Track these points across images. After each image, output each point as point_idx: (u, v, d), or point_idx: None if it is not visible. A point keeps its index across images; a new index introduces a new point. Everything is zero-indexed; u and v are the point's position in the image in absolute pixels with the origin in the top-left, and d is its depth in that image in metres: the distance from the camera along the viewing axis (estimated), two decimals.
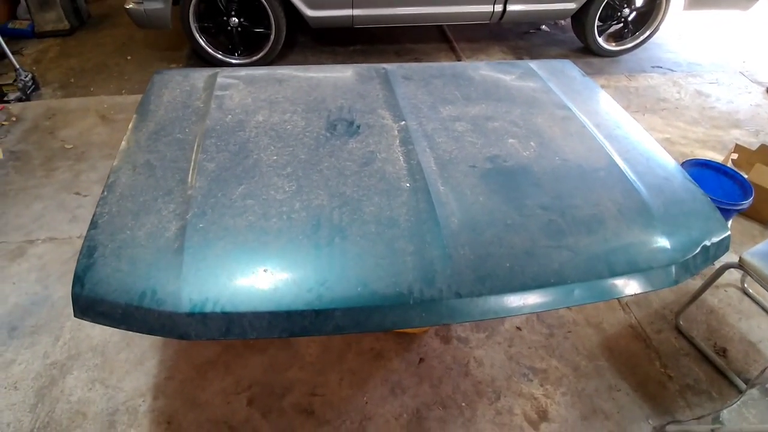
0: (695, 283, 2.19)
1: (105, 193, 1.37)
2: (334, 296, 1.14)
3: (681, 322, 2.12)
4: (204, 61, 3.76)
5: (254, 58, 3.82)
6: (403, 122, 1.64)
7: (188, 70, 1.95)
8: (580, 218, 1.36)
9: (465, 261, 1.21)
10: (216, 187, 1.35)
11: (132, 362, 1.86)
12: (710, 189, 2.45)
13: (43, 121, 3.08)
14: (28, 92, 3.29)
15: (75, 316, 1.16)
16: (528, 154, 1.56)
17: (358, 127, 1.62)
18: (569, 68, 2.21)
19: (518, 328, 2.07)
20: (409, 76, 1.94)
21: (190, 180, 1.38)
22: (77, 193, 2.60)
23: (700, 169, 2.52)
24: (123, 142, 1.54)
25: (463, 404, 1.80)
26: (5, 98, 3.22)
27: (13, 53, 3.24)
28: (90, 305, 1.15)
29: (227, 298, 1.12)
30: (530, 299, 1.23)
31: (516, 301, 1.22)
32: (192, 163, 1.43)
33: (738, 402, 1.79)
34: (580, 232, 1.32)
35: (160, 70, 1.93)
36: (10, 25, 3.96)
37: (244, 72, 1.93)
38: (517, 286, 1.21)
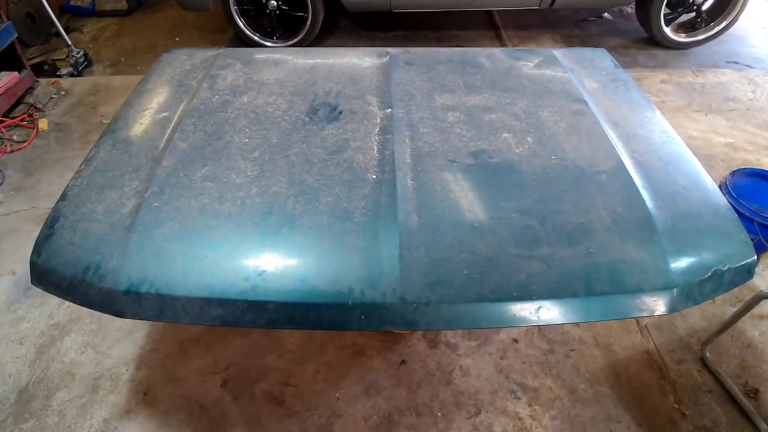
0: (731, 310, 1.90)
1: (82, 166, 1.40)
2: (269, 288, 1.09)
3: (708, 354, 1.85)
4: (244, 44, 3.83)
5: (292, 41, 3.83)
6: (389, 110, 1.54)
7: (195, 50, 1.96)
8: (563, 226, 1.19)
9: (417, 264, 1.11)
10: (181, 167, 1.34)
11: (123, 331, 1.93)
12: (764, 203, 2.11)
13: (87, 96, 3.28)
14: (80, 68, 3.52)
15: (32, 283, 1.20)
16: (520, 151, 1.40)
17: (340, 112, 1.53)
18: (601, 57, 1.97)
19: (515, 340, 1.91)
20: (411, 62, 1.82)
21: (158, 158, 1.37)
22: None
23: (755, 180, 2.18)
24: (113, 118, 1.57)
25: (439, 414, 1.69)
26: (58, 72, 3.47)
27: (74, 30, 3.48)
28: (43, 274, 1.18)
29: (164, 280, 1.10)
30: (487, 312, 1.10)
31: (470, 312, 1.10)
32: (164, 141, 1.43)
33: None
34: (559, 242, 1.16)
35: (170, 49, 1.96)
36: (72, 2, 4.26)
37: (246, 53, 1.91)
38: (472, 296, 1.09)
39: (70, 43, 3.42)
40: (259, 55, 1.91)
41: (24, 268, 2.19)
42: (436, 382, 1.78)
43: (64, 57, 3.48)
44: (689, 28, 3.92)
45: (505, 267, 1.12)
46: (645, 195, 1.29)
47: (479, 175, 1.32)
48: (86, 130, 2.99)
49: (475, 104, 1.60)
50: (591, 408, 1.71)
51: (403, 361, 1.84)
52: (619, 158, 1.39)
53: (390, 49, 1.90)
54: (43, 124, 3.01)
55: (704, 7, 3.79)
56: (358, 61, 1.83)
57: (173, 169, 1.33)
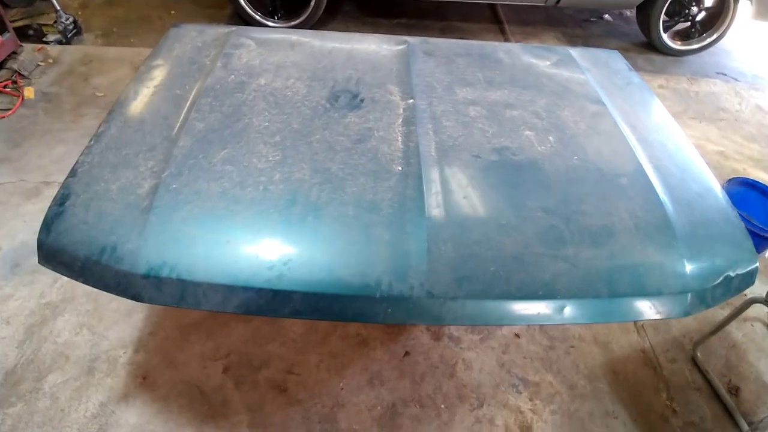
0: (721, 312, 1.97)
1: (92, 142, 1.35)
2: (295, 278, 1.06)
3: (699, 354, 1.91)
4: (244, 22, 3.71)
5: (293, 22, 3.73)
6: (412, 100, 1.51)
7: (205, 26, 1.89)
8: (587, 227, 1.20)
9: (444, 259, 1.10)
10: (198, 148, 1.29)
11: (121, 313, 1.88)
12: (753, 213, 2.18)
13: (79, 66, 3.14)
14: (69, 36, 3.35)
15: (38, 262, 1.14)
16: (543, 150, 1.41)
17: (362, 100, 1.50)
18: (615, 59, 1.99)
19: (517, 336, 1.94)
20: (431, 52, 1.80)
21: (174, 138, 1.32)
22: None
23: (746, 189, 2.26)
24: (122, 93, 1.50)
25: (442, 406, 1.71)
26: (44, 38, 3.29)
27: None
28: (53, 254, 1.13)
29: (185, 265, 1.06)
30: (512, 309, 1.11)
31: (495, 309, 1.11)
32: (180, 121, 1.37)
33: None
34: (584, 242, 1.17)
35: (179, 23, 1.88)
36: None
37: (259, 33, 1.85)
38: (499, 293, 1.09)
39: (58, 8, 3.25)
40: (274, 35, 1.86)
41: (11, 244, 2.10)
42: (439, 374, 1.79)
43: (52, 23, 3.30)
44: (684, 36, 4.01)
45: (531, 266, 1.12)
46: (664, 200, 1.31)
47: (503, 172, 1.32)
48: (77, 102, 2.86)
49: (496, 100, 1.59)
50: (589, 403, 1.75)
51: (406, 353, 1.84)
52: (639, 162, 1.41)
53: (408, 38, 1.87)
54: (29, 92, 2.86)
55: (698, 18, 3.89)
56: (377, 48, 1.79)
57: (190, 150, 1.28)
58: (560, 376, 1.82)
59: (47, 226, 1.14)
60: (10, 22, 3.14)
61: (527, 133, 1.46)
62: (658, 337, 1.98)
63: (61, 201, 1.17)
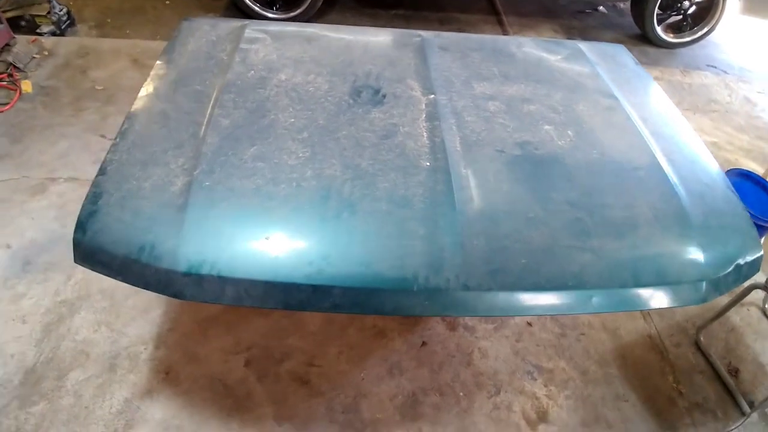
0: (722, 299, 2.05)
1: (117, 139, 1.34)
2: (334, 273, 1.09)
3: (701, 338, 2.00)
4: (241, 12, 3.66)
5: (292, 14, 3.70)
6: (432, 96, 1.54)
7: (217, 20, 1.88)
8: (610, 219, 1.25)
9: (478, 252, 1.13)
10: (227, 145, 1.30)
11: (138, 309, 1.88)
12: (748, 203, 2.26)
13: (75, 59, 3.07)
14: (63, 27, 3.27)
15: (75, 261, 1.15)
16: (563, 144, 1.44)
17: (384, 96, 1.52)
18: (621, 54, 2.04)
19: (529, 324, 1.99)
20: (446, 47, 1.81)
21: (202, 135, 1.32)
22: (102, 136, 2.60)
23: (740, 180, 2.34)
24: (142, 89, 1.49)
25: (461, 394, 1.76)
26: (38, 30, 3.21)
27: None
28: (90, 253, 1.13)
29: (225, 262, 1.08)
30: (543, 300, 1.15)
31: (527, 300, 1.15)
32: (206, 117, 1.38)
33: (740, 425, 1.72)
34: (608, 234, 1.22)
35: (189, 17, 1.86)
36: None
37: (273, 27, 1.85)
38: (531, 285, 1.13)
39: None
40: (288, 29, 1.86)
41: (20, 242, 2.07)
42: (456, 363, 1.84)
43: (45, 13, 3.21)
44: (676, 29, 4.10)
45: (561, 258, 1.16)
46: (680, 191, 1.36)
47: (527, 166, 1.35)
48: (77, 96, 2.80)
49: (513, 94, 1.62)
50: (601, 388, 1.82)
51: (423, 343, 1.89)
52: (654, 155, 1.46)
53: (422, 32, 1.88)
54: (26, 86, 2.79)
55: (689, 11, 3.98)
56: (392, 42, 1.80)
57: (219, 147, 1.29)
58: (572, 362, 1.89)
59: (82, 225, 1.14)
60: (1, 12, 3.05)
61: (546, 127, 1.50)
62: (663, 322, 2.06)
63: (93, 200, 1.17)
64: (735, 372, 1.95)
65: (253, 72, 1.57)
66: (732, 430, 1.71)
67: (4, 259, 2.01)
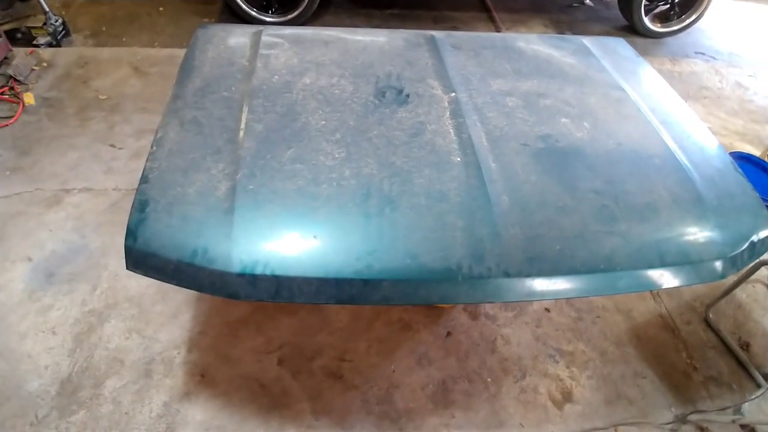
0: (729, 277, 2.15)
1: (154, 148, 1.36)
2: (383, 266, 1.14)
3: (711, 315, 2.10)
4: (236, 16, 3.67)
5: (289, 16, 3.71)
6: (453, 94, 1.59)
7: (232, 26, 1.90)
8: (634, 205, 1.32)
9: (515, 241, 1.20)
10: (264, 149, 1.34)
11: (167, 315, 1.90)
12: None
13: (75, 69, 3.05)
14: (59, 38, 3.24)
15: (127, 268, 1.17)
16: (581, 136, 1.51)
17: (408, 95, 1.57)
18: (622, 47, 2.11)
19: (547, 310, 2.07)
20: (458, 46, 1.87)
21: (239, 140, 1.36)
22: (112, 145, 2.60)
23: (741, 163, 2.44)
24: (169, 97, 1.52)
25: (489, 380, 1.83)
26: (35, 42, 3.18)
27: None
28: (142, 259, 1.16)
29: (277, 262, 1.12)
30: (578, 284, 1.22)
31: (564, 284, 1.21)
32: (240, 123, 1.41)
33: (759, 396, 1.80)
34: (633, 219, 1.29)
35: (204, 24, 1.89)
36: None
37: (289, 31, 1.88)
38: (566, 269, 1.20)
39: (47, 9, 3.13)
40: (302, 33, 1.90)
41: (41, 254, 2.08)
42: (481, 351, 1.91)
43: (41, 25, 3.19)
44: (664, 19, 4.21)
45: (592, 243, 1.23)
46: (693, 176, 1.44)
47: (551, 158, 1.42)
48: (81, 107, 2.80)
49: (528, 90, 1.68)
50: (620, 367, 1.91)
51: (448, 333, 1.95)
52: (665, 143, 1.53)
53: (433, 32, 1.94)
54: (29, 98, 2.78)
55: (677, 0, 4.09)
56: (406, 43, 1.85)
57: (257, 151, 1.33)
58: (591, 344, 1.97)
59: (132, 232, 1.17)
60: None
61: (563, 120, 1.57)
62: (672, 302, 2.16)
63: (141, 207, 1.20)
64: (746, 346, 2.04)
65: (277, 77, 1.61)
66: (752, 400, 1.80)
67: (27, 272, 2.01)
